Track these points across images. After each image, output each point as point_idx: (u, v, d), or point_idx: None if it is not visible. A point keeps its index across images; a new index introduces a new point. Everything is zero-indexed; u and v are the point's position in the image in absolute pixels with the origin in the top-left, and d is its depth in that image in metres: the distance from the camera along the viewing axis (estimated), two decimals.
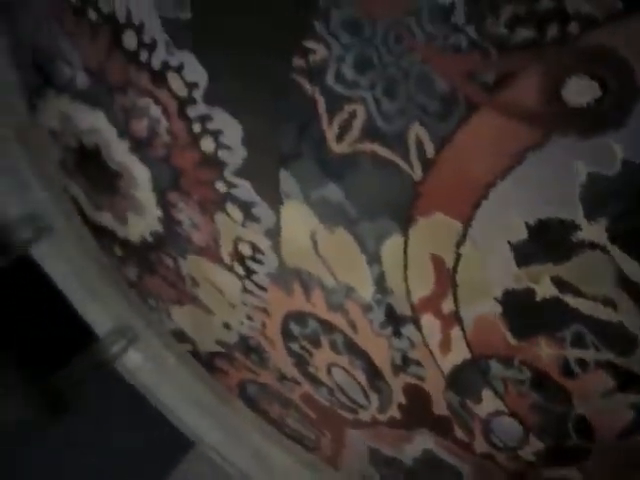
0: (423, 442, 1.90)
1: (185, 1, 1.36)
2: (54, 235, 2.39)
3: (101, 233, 2.26)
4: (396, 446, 2.01)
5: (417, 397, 1.80)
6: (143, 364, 2.51)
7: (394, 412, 1.90)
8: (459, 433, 1.78)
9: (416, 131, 1.31)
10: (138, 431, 2.55)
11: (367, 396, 1.94)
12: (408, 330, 1.72)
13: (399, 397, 1.84)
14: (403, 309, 1.69)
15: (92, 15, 1.54)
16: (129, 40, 1.55)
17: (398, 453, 2.02)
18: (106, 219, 2.19)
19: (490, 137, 1.21)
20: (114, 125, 1.82)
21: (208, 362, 2.39)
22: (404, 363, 1.78)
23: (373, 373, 1.85)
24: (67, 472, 2.33)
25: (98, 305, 2.41)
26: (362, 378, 1.90)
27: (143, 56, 1.57)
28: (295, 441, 2.37)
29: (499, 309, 1.37)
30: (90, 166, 2.03)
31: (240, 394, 2.41)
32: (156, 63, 1.57)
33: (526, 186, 1.16)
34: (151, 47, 1.53)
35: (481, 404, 1.66)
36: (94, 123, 1.87)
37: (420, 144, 1.33)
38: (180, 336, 2.38)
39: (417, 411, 1.84)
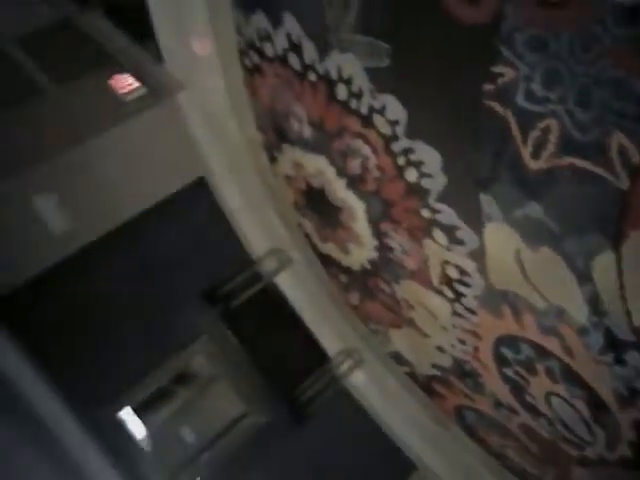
0: None
1: (382, 50, 1.55)
2: (293, 266, 2.77)
3: (328, 262, 2.56)
4: None
5: None
6: (367, 384, 2.70)
7: (624, 451, 1.70)
8: None
9: (617, 138, 1.25)
10: (363, 449, 2.72)
11: (591, 430, 1.78)
12: (633, 357, 1.56)
13: (629, 433, 1.65)
14: (624, 333, 1.54)
15: (312, 76, 1.85)
16: (341, 92, 1.82)
17: None
18: (331, 249, 2.48)
19: None
20: (333, 166, 2.10)
21: (426, 385, 2.46)
22: (631, 395, 1.60)
23: (595, 404, 1.70)
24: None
25: (328, 328, 2.70)
26: (584, 409, 1.76)
27: (353, 103, 1.81)
28: (516, 474, 2.26)
29: None
30: (317, 204, 2.35)
31: (457, 420, 2.41)
32: (364, 108, 1.80)
33: None
34: (359, 95, 1.77)
35: None
36: (318, 167, 2.19)
37: (623, 151, 1.26)
38: (399, 358, 2.51)
39: None
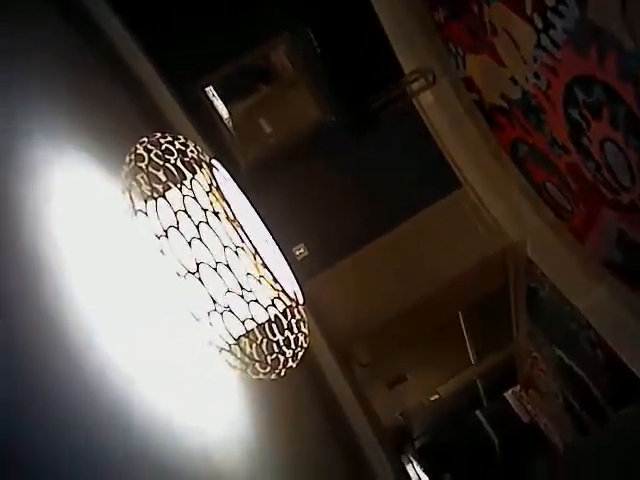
0: None
1: None
2: None
3: None
4: None
5: None
6: (435, 106, 2.77)
7: None
8: None
9: None
10: (416, 164, 2.93)
11: (633, 178, 1.88)
12: None
13: None
14: None
15: None
16: None
17: None
18: None
19: None
20: None
21: (490, 115, 2.53)
22: None
23: None
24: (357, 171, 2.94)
25: (407, 42, 2.66)
26: (634, 158, 1.83)
27: None
28: (550, 207, 2.48)
29: None
30: None
31: (511, 152, 2.54)
32: None
33: None
34: None
35: None
36: None
37: None
38: (470, 85, 2.53)
39: None
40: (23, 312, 0.69)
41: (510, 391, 7.35)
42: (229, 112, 3.16)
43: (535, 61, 2.02)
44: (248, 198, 1.24)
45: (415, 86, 2.77)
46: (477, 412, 7.71)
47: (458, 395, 5.62)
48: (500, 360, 5.31)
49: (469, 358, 4.97)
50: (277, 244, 1.16)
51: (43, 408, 0.62)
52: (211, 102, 2.90)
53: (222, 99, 3.06)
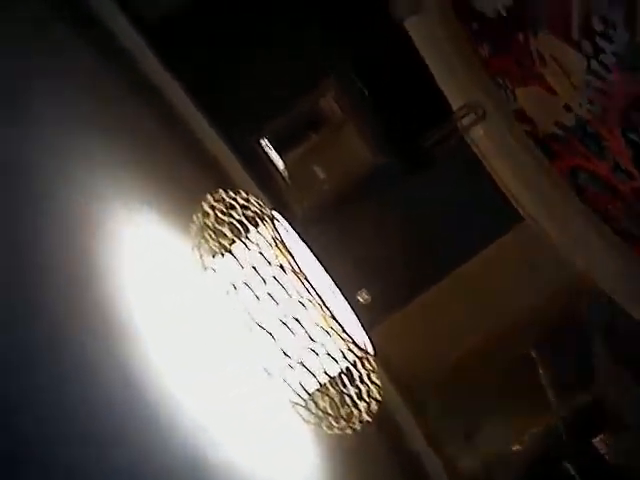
0: None
1: None
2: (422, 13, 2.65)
3: (460, 5, 2.42)
4: None
5: None
6: (486, 140, 2.75)
7: None
8: None
9: None
10: (472, 202, 2.88)
11: None
12: None
13: None
14: None
15: None
16: None
17: None
18: None
19: None
20: None
21: (545, 144, 2.48)
22: None
23: None
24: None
25: (453, 80, 2.68)
26: None
27: None
28: (616, 233, 2.37)
29: None
30: None
31: (570, 180, 2.46)
32: None
33: None
34: None
35: None
36: None
37: None
38: (521, 116, 2.50)
39: None
40: (97, 361, 0.71)
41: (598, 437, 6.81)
42: (283, 161, 3.26)
43: (587, 86, 1.99)
44: (310, 247, 1.26)
45: (465, 121, 2.77)
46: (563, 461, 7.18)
47: (541, 443, 5.30)
48: (583, 404, 4.98)
49: (549, 404, 4.70)
50: (342, 292, 1.17)
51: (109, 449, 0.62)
52: (266, 154, 2.99)
53: (275, 149, 3.16)
